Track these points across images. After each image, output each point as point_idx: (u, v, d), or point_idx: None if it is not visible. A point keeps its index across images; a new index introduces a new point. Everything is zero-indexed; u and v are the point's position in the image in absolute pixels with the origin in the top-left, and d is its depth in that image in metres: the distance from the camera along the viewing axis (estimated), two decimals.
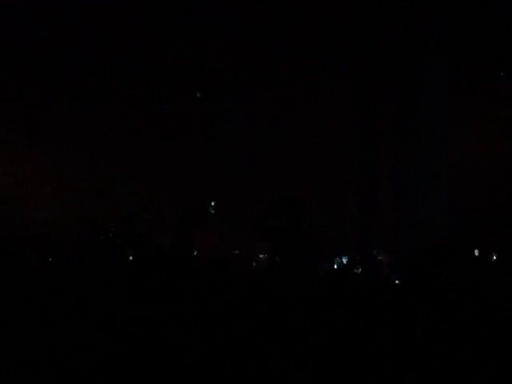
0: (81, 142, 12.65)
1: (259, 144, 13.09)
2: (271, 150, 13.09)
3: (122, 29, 11.49)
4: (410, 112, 10.51)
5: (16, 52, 11.58)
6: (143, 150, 12.83)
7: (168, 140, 12.96)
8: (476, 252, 9.05)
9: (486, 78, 10.99)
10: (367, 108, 12.36)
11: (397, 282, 6.85)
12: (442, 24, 10.20)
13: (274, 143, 13.05)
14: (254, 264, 7.97)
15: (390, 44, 11.03)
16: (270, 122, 12.94)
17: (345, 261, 8.52)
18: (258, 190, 12.34)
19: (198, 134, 13.13)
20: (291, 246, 5.47)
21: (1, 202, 11.92)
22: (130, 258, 5.85)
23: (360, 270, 8.13)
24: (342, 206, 13.45)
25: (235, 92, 12.84)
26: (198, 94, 12.71)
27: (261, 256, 9.90)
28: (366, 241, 11.74)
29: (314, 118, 12.81)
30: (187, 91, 12.86)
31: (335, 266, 8.44)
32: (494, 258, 8.96)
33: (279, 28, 11.54)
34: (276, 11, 11.20)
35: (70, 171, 12.44)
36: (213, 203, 5.17)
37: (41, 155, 12.32)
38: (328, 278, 5.10)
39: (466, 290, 3.90)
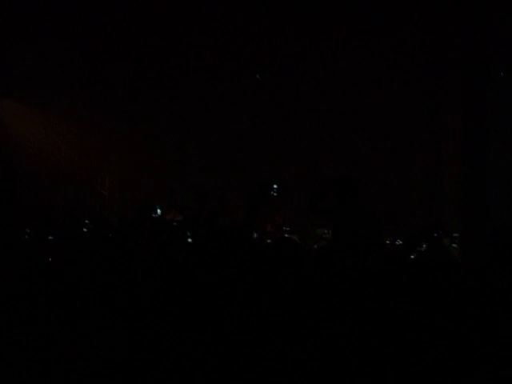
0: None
1: (323, 125, 12.85)
2: (335, 131, 12.84)
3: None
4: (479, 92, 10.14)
5: None
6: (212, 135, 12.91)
7: (232, 126, 12.93)
8: None
9: None
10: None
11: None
12: None
13: (336, 123, 12.78)
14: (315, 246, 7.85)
15: None
16: (334, 101, 12.67)
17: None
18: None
19: (263, 119, 13.00)
20: (346, 225, 5.44)
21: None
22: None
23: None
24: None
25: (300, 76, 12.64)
26: (257, 76, 12.64)
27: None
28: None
29: (381, 97, 12.54)
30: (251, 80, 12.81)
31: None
32: None
33: None
34: None
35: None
36: (275, 186, 5.04)
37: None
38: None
39: None
